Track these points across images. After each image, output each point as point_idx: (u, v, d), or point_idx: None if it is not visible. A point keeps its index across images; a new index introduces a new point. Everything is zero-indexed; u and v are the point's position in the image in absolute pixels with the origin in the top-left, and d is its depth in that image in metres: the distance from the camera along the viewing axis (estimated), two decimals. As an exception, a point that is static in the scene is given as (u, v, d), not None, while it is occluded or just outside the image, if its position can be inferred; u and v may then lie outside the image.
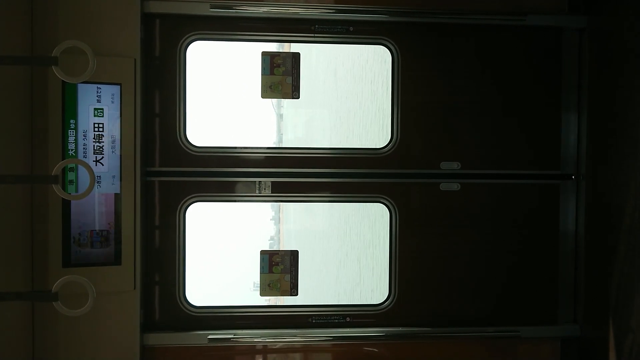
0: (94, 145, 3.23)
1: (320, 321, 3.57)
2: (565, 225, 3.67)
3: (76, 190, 3.18)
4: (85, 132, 3.22)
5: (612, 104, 3.35)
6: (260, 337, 3.48)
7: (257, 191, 3.54)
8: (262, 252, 3.56)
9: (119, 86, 3.24)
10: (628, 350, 3.09)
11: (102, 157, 3.24)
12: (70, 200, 3.17)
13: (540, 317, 3.67)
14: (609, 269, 3.26)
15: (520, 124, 3.65)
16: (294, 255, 3.57)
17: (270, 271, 3.55)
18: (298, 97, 3.52)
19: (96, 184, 3.19)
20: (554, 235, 3.67)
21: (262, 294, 3.59)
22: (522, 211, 3.67)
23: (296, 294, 3.57)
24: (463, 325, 3.60)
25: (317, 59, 13.00)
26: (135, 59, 3.25)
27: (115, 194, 3.27)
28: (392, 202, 3.60)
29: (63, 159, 3.14)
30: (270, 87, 3.53)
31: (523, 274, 3.66)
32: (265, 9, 3.43)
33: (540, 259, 3.67)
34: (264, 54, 3.52)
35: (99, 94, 3.23)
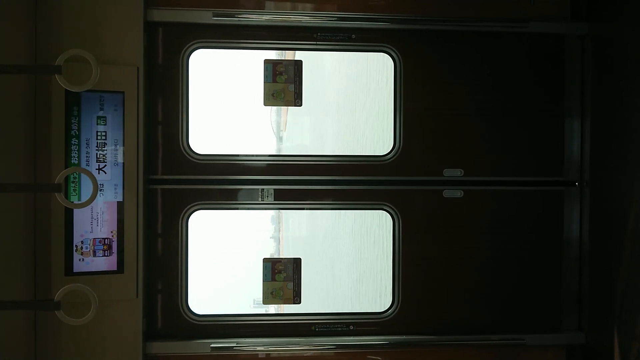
0: (96, 154, 3.24)
1: (324, 329, 3.56)
2: (569, 232, 3.65)
3: (79, 199, 3.18)
4: (88, 140, 3.23)
5: (615, 110, 3.35)
6: (263, 345, 3.46)
7: (260, 199, 3.54)
8: (265, 260, 3.54)
9: (122, 94, 3.25)
10: (634, 358, 3.07)
11: (105, 165, 3.24)
12: (72, 209, 3.17)
13: (545, 325, 3.64)
14: (613, 275, 3.24)
15: (523, 130, 3.64)
16: (296, 263, 3.55)
17: (273, 279, 3.54)
18: (300, 105, 3.52)
19: (99, 192, 3.19)
20: (558, 242, 3.66)
21: (264, 302, 3.57)
22: (525, 218, 3.65)
23: (299, 302, 3.55)
24: (467, 333, 3.57)
25: (320, 66, 13.03)
26: (138, 67, 3.26)
27: (118, 202, 3.27)
28: (395, 209, 3.59)
29: (66, 167, 3.14)
30: (272, 94, 3.53)
31: (527, 281, 3.64)
32: (267, 17, 3.44)
33: (544, 266, 3.65)
34: (267, 61, 3.52)
35: (102, 102, 3.24)
